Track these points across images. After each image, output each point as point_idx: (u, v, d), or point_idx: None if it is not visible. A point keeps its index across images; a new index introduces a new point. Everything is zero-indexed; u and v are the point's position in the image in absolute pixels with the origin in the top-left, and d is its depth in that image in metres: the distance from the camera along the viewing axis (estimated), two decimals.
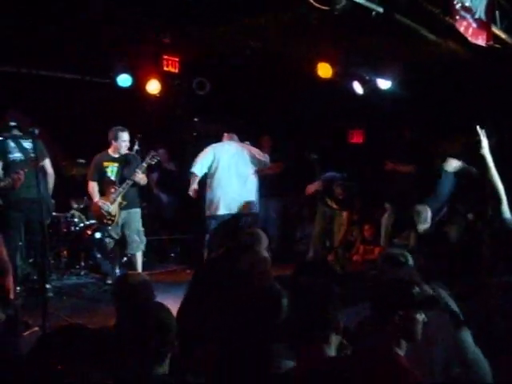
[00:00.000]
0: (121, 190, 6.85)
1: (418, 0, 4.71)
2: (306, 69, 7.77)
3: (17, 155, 6.28)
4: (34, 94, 7.88)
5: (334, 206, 7.91)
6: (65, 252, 7.75)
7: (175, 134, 9.93)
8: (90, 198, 7.15)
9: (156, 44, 7.42)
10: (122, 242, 7.05)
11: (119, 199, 6.85)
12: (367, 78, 8.36)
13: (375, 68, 7.90)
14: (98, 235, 7.89)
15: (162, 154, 9.39)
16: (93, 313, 5.72)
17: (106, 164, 7.00)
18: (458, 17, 4.96)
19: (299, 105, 9.41)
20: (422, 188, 7.95)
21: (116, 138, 6.93)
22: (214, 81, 8.79)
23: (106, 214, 6.78)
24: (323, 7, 4.51)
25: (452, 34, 5.49)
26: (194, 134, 9.81)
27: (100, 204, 6.80)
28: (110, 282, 6.93)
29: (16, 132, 6.44)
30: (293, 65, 7.57)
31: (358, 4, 4.88)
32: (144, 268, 7.52)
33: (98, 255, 8.00)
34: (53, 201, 7.05)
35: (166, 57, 7.99)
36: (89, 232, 7.95)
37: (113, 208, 6.81)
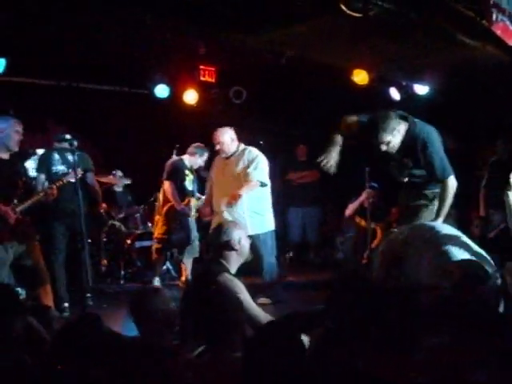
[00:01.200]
0: (199, 203, 7.21)
1: (453, 5, 4.66)
2: (341, 76, 7.75)
3: (60, 168, 6.28)
4: (73, 106, 8.03)
5: (372, 223, 7.73)
6: (104, 261, 7.85)
7: (212, 143, 9.98)
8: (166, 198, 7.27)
9: (192, 54, 7.49)
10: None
11: (194, 211, 7.23)
12: (404, 83, 8.29)
13: (412, 74, 7.83)
14: (138, 244, 8.00)
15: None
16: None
17: (186, 172, 7.29)
18: (494, 20, 4.88)
19: (335, 112, 9.36)
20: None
21: (202, 155, 7.38)
22: (250, 89, 8.83)
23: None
24: (356, 14, 4.50)
25: (489, 37, 5.41)
26: None
27: (188, 212, 7.14)
28: None
29: (65, 145, 6.51)
30: (328, 72, 7.55)
31: (393, 9, 4.85)
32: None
33: (139, 263, 8.10)
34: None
35: (202, 67, 8.07)
36: (129, 241, 8.05)
37: (192, 216, 7.22)
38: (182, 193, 7.19)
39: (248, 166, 6.31)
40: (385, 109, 5.87)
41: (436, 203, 4.65)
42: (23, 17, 5.53)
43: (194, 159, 7.38)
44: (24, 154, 6.09)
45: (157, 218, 7.49)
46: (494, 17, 4.79)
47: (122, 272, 7.94)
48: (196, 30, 6.01)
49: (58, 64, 7.33)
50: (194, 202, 7.22)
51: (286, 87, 8.62)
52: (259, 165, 6.36)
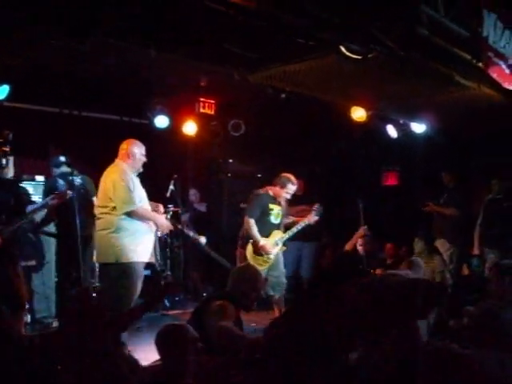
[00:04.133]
0: (287, 235, 6.91)
1: (450, 48, 4.77)
2: (339, 112, 7.85)
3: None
4: (74, 133, 8.10)
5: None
6: None
7: (210, 174, 10.06)
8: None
9: (193, 87, 7.59)
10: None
11: (281, 244, 6.87)
12: (401, 121, 8.41)
13: (409, 112, 7.94)
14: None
15: (193, 195, 9.52)
16: None
17: (271, 206, 6.87)
18: (490, 63, 5.00)
19: (333, 147, 9.49)
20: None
21: (284, 186, 6.88)
22: (249, 123, 8.92)
23: (266, 257, 6.72)
24: (355, 56, 4.61)
25: (485, 78, 5.53)
26: (229, 174, 9.91)
27: (268, 248, 6.70)
28: None
29: (65, 169, 6.63)
30: (327, 108, 7.65)
31: (391, 51, 4.95)
32: (176, 307, 7.63)
33: None
34: None
35: (202, 99, 8.17)
36: None
37: (274, 252, 6.79)
38: (269, 227, 6.86)
39: None
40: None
41: None
42: (27, 44, 5.62)
43: (278, 192, 6.90)
44: (18, 179, 6.19)
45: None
46: (490, 61, 4.91)
47: None
48: (198, 64, 6.10)
49: (61, 92, 7.41)
50: (278, 236, 6.89)
51: (285, 122, 8.72)
52: None
